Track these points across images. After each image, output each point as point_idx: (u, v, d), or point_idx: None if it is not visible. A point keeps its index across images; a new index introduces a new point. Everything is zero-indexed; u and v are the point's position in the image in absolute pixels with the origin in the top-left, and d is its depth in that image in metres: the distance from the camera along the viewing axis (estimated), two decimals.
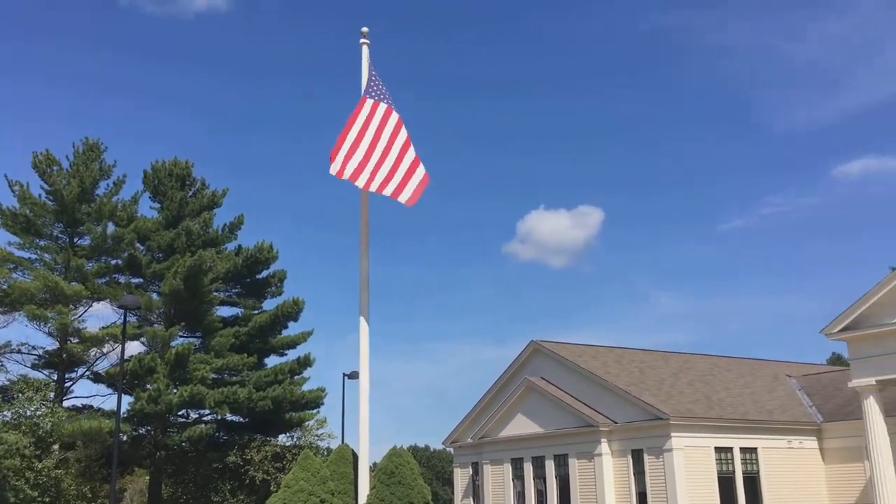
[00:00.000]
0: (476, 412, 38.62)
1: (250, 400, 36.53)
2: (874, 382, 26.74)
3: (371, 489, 13.83)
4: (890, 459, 26.69)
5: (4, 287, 34.70)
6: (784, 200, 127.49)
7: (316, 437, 42.96)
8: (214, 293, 39.24)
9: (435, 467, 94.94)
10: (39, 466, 30.72)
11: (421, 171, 12.14)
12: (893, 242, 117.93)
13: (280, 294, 42.32)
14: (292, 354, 41.76)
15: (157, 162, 41.05)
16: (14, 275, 35.77)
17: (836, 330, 27.70)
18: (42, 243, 38.13)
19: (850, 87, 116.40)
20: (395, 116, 12.21)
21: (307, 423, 40.97)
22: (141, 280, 39.56)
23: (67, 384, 38.28)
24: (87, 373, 38.73)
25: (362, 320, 13.38)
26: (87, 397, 45.52)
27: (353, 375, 36.42)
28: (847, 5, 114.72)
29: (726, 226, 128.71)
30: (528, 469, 34.78)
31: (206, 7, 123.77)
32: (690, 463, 30.18)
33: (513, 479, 35.47)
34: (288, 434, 41.67)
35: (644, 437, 30.97)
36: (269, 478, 37.37)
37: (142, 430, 37.96)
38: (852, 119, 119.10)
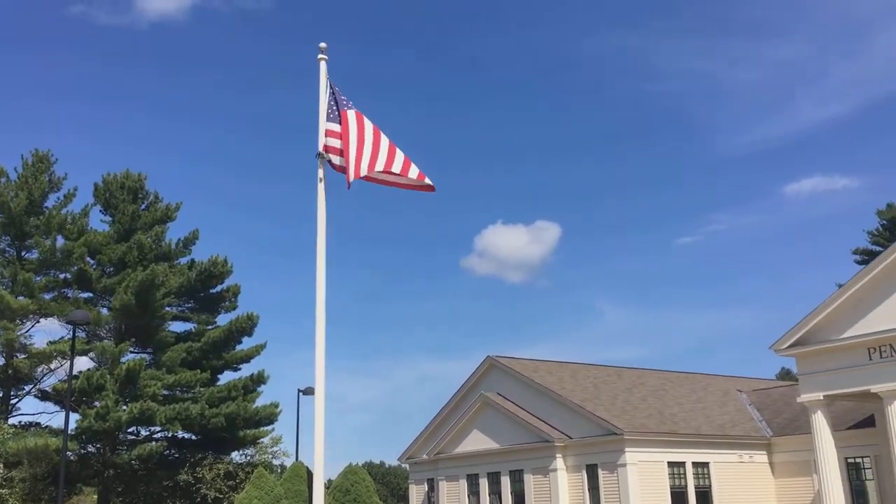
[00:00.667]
0: (432, 428, 38.52)
1: (203, 416, 35.95)
2: (822, 397, 27.30)
3: None
4: (837, 473, 27.24)
5: None
6: (730, 218, 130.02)
7: (270, 455, 42.43)
8: (167, 308, 38.62)
9: (390, 484, 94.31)
10: None
11: (406, 161, 12.17)
12: (839, 260, 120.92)
13: (234, 309, 41.86)
14: (246, 370, 41.27)
15: (108, 174, 40.41)
16: None
17: (784, 346, 28.24)
18: None
19: (794, 110, 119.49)
20: (357, 117, 12.23)
21: (261, 440, 40.43)
22: (91, 295, 38.79)
23: (13, 401, 37.34)
24: (34, 390, 37.83)
25: (318, 336, 13.26)
26: (33, 415, 44.52)
27: (309, 391, 36.07)
28: (789, 30, 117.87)
29: (677, 242, 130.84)
30: (484, 485, 34.76)
31: (159, 17, 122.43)
32: (644, 477, 30.45)
33: (468, 496, 35.41)
34: (241, 451, 41.03)
35: (598, 452, 31.17)
36: (221, 496, 36.73)
37: (90, 448, 37.12)
38: (799, 140, 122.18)
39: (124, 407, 35.16)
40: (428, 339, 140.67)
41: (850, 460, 31.15)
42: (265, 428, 40.37)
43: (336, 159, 11.92)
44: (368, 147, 11.87)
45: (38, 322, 37.40)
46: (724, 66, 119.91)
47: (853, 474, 31.21)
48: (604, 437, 30.85)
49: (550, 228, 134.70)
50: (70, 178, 43.58)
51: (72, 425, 33.31)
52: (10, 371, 35.69)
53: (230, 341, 40.23)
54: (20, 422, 37.04)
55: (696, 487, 31.93)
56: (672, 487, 31.26)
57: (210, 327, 40.72)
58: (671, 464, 31.65)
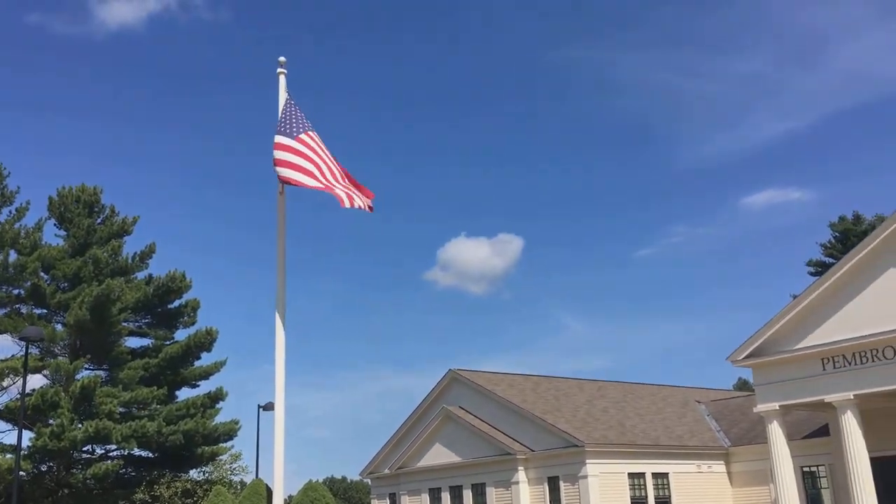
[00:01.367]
0: (394, 442, 38.36)
1: (160, 434, 35.38)
2: (777, 407, 27.74)
3: None
4: (793, 482, 27.66)
5: None
6: (687, 230, 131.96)
7: (229, 472, 41.91)
8: (123, 324, 38.00)
9: (352, 499, 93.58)
10: None
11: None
12: (794, 271, 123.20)
13: (193, 324, 41.32)
14: (205, 385, 40.77)
15: (63, 188, 39.76)
16: None
17: (740, 357, 28.67)
18: None
19: (752, 123, 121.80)
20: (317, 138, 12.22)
21: (220, 457, 39.89)
22: (45, 310, 38.02)
23: None
24: None
25: (278, 351, 13.16)
26: None
27: (268, 407, 35.72)
28: (749, 45, 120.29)
29: (636, 254, 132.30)
30: (446, 499, 34.68)
31: (118, 28, 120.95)
32: (605, 489, 30.64)
33: None
34: (199, 469, 40.42)
35: (560, 464, 31.31)
36: None
37: (43, 468, 36.29)
38: (756, 153, 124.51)
39: (79, 425, 34.46)
40: (391, 352, 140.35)
41: (805, 469, 31.69)
42: (224, 444, 39.89)
43: (288, 173, 11.81)
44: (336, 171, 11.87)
45: None
46: (685, 79, 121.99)
47: (809, 483, 31.76)
48: (565, 449, 30.99)
49: (513, 241, 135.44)
50: (23, 191, 42.84)
51: (25, 444, 32.59)
52: None
53: (188, 357, 39.69)
54: None
55: (656, 498, 32.22)
56: (633, 499, 31.51)
57: (168, 343, 40.15)
58: (631, 475, 31.89)
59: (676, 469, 33.34)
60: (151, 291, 39.18)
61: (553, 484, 31.39)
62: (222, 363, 40.99)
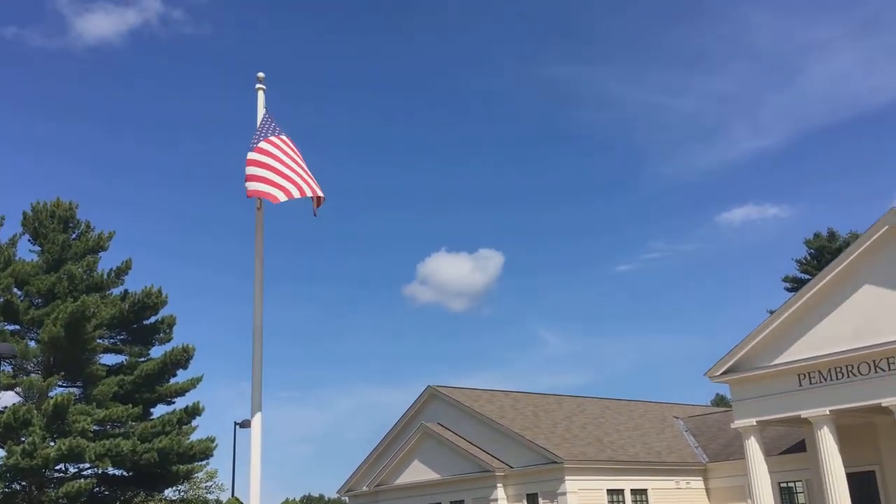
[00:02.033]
0: (372, 459, 38.11)
1: (135, 452, 34.86)
2: (755, 423, 27.87)
3: None
4: (771, 497, 27.76)
5: None
6: (666, 246, 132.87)
7: (205, 491, 41.37)
8: (98, 340, 37.48)
9: None
10: None
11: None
12: (771, 287, 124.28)
13: (169, 340, 40.81)
14: (181, 402, 40.20)
15: (37, 203, 39.24)
16: None
17: (718, 373, 28.81)
18: None
19: (729, 139, 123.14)
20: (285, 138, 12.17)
21: (196, 475, 39.37)
22: (17, 327, 37.44)
23: None
24: None
25: (255, 367, 13.05)
26: None
27: (245, 424, 35.39)
28: (727, 62, 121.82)
29: (615, 270, 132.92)
30: None
31: (96, 41, 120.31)
32: None
33: None
34: (175, 488, 39.83)
35: (539, 480, 31.24)
36: None
37: (15, 487, 35.64)
38: (733, 170, 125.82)
39: (52, 443, 33.91)
40: (369, 368, 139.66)
41: (782, 485, 31.84)
42: (200, 463, 39.34)
43: (258, 187, 11.74)
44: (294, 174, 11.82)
45: None
46: (663, 96, 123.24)
47: (786, 498, 31.90)
48: (544, 465, 30.93)
49: (494, 257, 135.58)
50: None
51: None
52: None
53: (164, 374, 39.20)
54: None
55: None
56: None
57: (143, 360, 39.65)
58: (610, 491, 31.87)
59: (655, 485, 33.36)
60: (127, 308, 38.73)
61: (532, 500, 31.30)
62: (198, 380, 40.52)
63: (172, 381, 39.91)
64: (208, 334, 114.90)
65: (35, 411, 33.73)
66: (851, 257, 25.97)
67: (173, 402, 40.36)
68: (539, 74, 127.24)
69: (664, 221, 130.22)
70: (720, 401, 69.99)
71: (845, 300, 26.16)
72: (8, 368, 35.35)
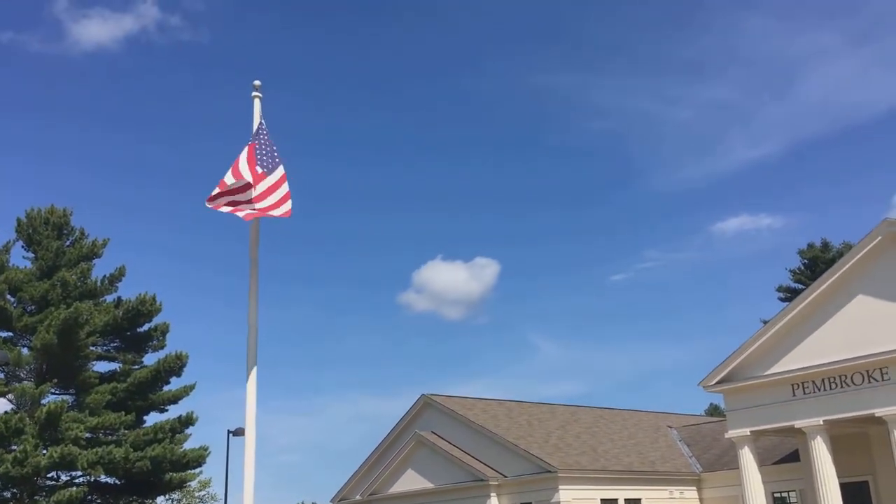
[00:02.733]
0: (366, 468, 38.02)
1: (127, 460, 34.73)
2: (748, 433, 27.89)
3: None
4: None
5: None
6: (661, 255, 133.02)
7: (198, 499, 41.20)
8: (91, 348, 37.38)
9: None
10: None
11: (285, 187, 11.92)
12: (765, 297, 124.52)
13: (162, 347, 40.72)
14: (174, 410, 40.09)
15: (31, 209, 39.20)
16: None
17: (712, 382, 28.85)
18: None
19: (725, 149, 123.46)
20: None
21: (188, 484, 39.20)
22: (10, 334, 37.33)
23: None
24: None
25: (249, 375, 13.02)
26: None
27: (239, 432, 35.26)
28: (723, 71, 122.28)
29: (611, 279, 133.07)
30: None
31: (94, 48, 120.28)
32: None
33: None
34: (168, 496, 39.72)
35: (533, 490, 31.19)
36: None
37: (6, 494, 35.48)
38: (728, 179, 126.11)
39: (44, 451, 33.78)
40: (364, 376, 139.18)
41: (776, 495, 31.85)
42: (193, 471, 39.22)
43: (220, 200, 11.73)
44: (260, 188, 11.68)
45: None
46: (659, 105, 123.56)
47: None
48: (538, 474, 30.89)
49: (490, 265, 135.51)
50: None
51: None
52: None
53: (158, 382, 39.10)
54: None
55: None
56: None
57: (136, 367, 39.55)
58: (604, 501, 31.84)
59: (649, 495, 33.33)
60: (120, 315, 38.66)
61: None
62: (191, 387, 40.43)
63: (165, 388, 39.82)
64: (202, 335, 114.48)
65: (27, 419, 33.60)
66: (845, 268, 26.07)
67: (166, 410, 40.27)
68: (531, 82, 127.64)
69: (659, 230, 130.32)
70: (714, 410, 69.99)
71: (839, 310, 26.24)
72: (0, 375, 35.21)
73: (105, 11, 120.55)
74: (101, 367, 39.59)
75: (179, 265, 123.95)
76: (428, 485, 34.19)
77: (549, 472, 30.47)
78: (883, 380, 24.72)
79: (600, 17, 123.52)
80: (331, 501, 40.31)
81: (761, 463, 28.80)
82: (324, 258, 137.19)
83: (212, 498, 47.74)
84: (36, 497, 35.86)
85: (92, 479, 36.66)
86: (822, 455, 25.83)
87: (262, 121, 12.74)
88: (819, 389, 26.13)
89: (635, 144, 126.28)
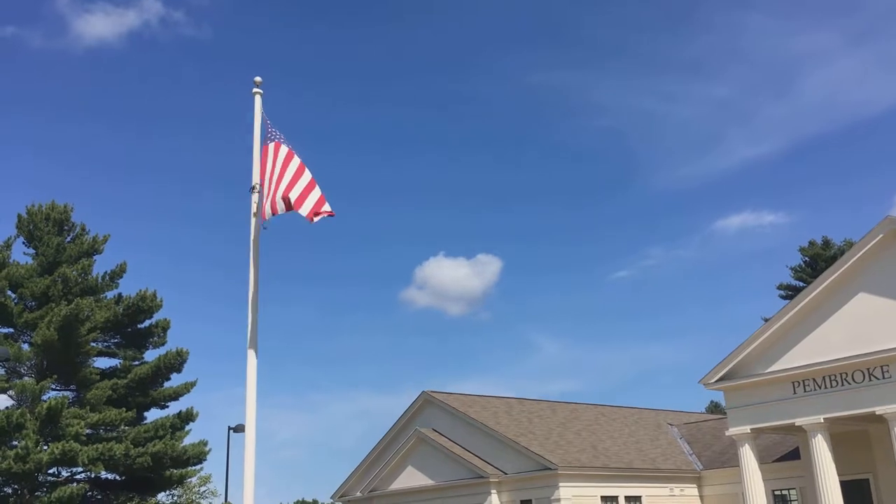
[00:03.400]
0: (366, 464, 38.04)
1: (128, 456, 34.75)
2: (749, 430, 27.90)
3: None
4: None
5: None
6: (663, 253, 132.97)
7: (198, 496, 41.21)
8: (92, 344, 37.39)
9: None
10: None
11: (317, 192, 11.97)
12: (767, 295, 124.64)
13: (163, 344, 40.74)
14: (174, 406, 40.12)
15: (32, 205, 39.18)
16: None
17: (713, 380, 28.84)
18: None
19: (726, 147, 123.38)
20: (284, 149, 12.12)
21: (189, 480, 39.22)
22: (11, 330, 37.34)
23: None
24: None
25: (250, 372, 13.02)
26: None
27: (239, 429, 35.31)
28: (724, 69, 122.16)
29: (613, 277, 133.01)
30: None
31: (97, 43, 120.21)
32: None
33: None
34: (168, 492, 39.69)
35: (533, 487, 31.19)
36: None
37: (7, 491, 35.50)
38: (730, 177, 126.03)
39: (45, 447, 33.80)
40: (365, 372, 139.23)
41: (777, 492, 31.86)
42: (193, 467, 39.25)
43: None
44: (285, 183, 11.74)
45: None
46: (661, 103, 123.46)
47: None
48: (538, 472, 30.89)
49: (492, 262, 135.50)
50: None
51: None
52: None
53: (158, 378, 39.12)
54: None
55: None
56: None
57: (137, 363, 39.57)
58: (604, 498, 31.85)
59: (649, 492, 33.34)
60: (121, 311, 38.67)
61: None
62: (192, 384, 40.46)
63: (166, 384, 39.85)
64: (202, 335, 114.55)
65: (28, 415, 33.61)
66: (846, 265, 26.05)
67: (167, 406, 40.31)
68: (533, 80, 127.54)
69: (661, 228, 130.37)
70: (714, 408, 70.02)
71: (840, 308, 26.23)
72: (1, 371, 35.21)
73: (108, 6, 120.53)
74: (102, 363, 39.64)
75: (180, 262, 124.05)
76: (428, 481, 34.20)
77: (550, 469, 30.47)
78: (884, 378, 24.71)
79: (601, 16, 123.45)
80: (331, 498, 40.35)
81: (762, 460, 28.81)
82: (325, 254, 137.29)
83: (212, 494, 47.74)
84: (37, 493, 35.89)
85: (92, 476, 36.71)
86: (822, 453, 25.83)
87: (266, 119, 12.69)
88: (820, 387, 26.13)
89: (636, 142, 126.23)
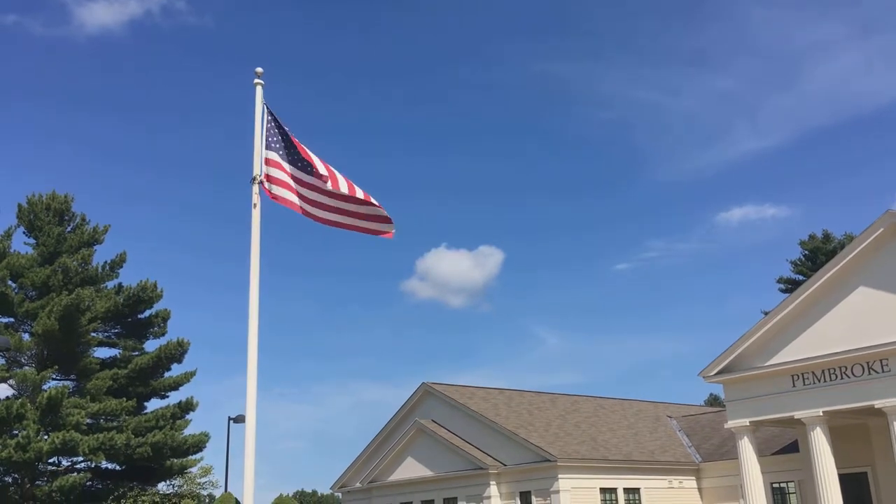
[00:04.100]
0: (366, 455, 38.12)
1: (128, 446, 34.83)
2: (748, 423, 27.94)
3: None
4: (763, 498, 27.84)
5: None
6: (665, 245, 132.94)
7: (198, 486, 41.28)
8: (92, 334, 37.43)
9: None
10: None
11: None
12: (768, 288, 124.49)
13: (163, 334, 40.79)
14: (175, 397, 40.20)
15: (33, 195, 39.16)
16: None
17: (712, 373, 28.87)
18: None
19: (731, 139, 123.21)
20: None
21: (189, 470, 39.30)
22: (12, 319, 37.37)
23: None
24: None
25: (250, 362, 13.03)
26: None
27: (239, 419, 35.36)
28: (729, 62, 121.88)
29: (614, 268, 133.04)
30: None
31: (98, 31, 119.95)
32: None
33: None
34: (168, 482, 39.77)
35: (532, 478, 31.27)
36: None
37: (8, 480, 35.58)
38: (734, 169, 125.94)
39: (46, 437, 33.87)
40: (366, 364, 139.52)
41: (775, 485, 31.93)
42: (194, 457, 39.35)
43: (281, 192, 11.60)
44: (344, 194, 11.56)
45: None
46: (666, 95, 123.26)
47: (778, 499, 31.98)
48: (537, 463, 30.96)
49: (494, 254, 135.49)
50: None
51: None
52: None
53: (159, 368, 39.17)
54: None
55: None
56: None
57: (137, 353, 39.61)
58: (603, 490, 31.92)
59: (648, 484, 33.42)
60: (122, 301, 38.70)
61: (525, 498, 31.34)
62: (192, 374, 40.52)
63: (166, 375, 39.92)
64: (203, 325, 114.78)
65: (29, 405, 33.67)
66: (847, 259, 26.04)
67: (167, 396, 40.39)
68: (537, 71, 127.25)
69: (663, 220, 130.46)
70: (714, 401, 70.13)
71: (840, 302, 26.23)
72: (2, 361, 35.26)
73: None
74: (102, 353, 39.69)
75: (181, 253, 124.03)
76: (428, 473, 34.28)
77: (549, 460, 30.54)
78: (883, 371, 24.73)
79: (607, 8, 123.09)
80: (331, 488, 40.44)
81: (760, 453, 28.86)
82: (327, 246, 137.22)
83: (212, 485, 47.85)
84: (37, 482, 35.98)
85: (93, 465, 36.80)
86: (821, 446, 25.88)
87: (270, 111, 12.58)
88: (819, 380, 26.15)
89: (641, 134, 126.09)
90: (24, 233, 39.31)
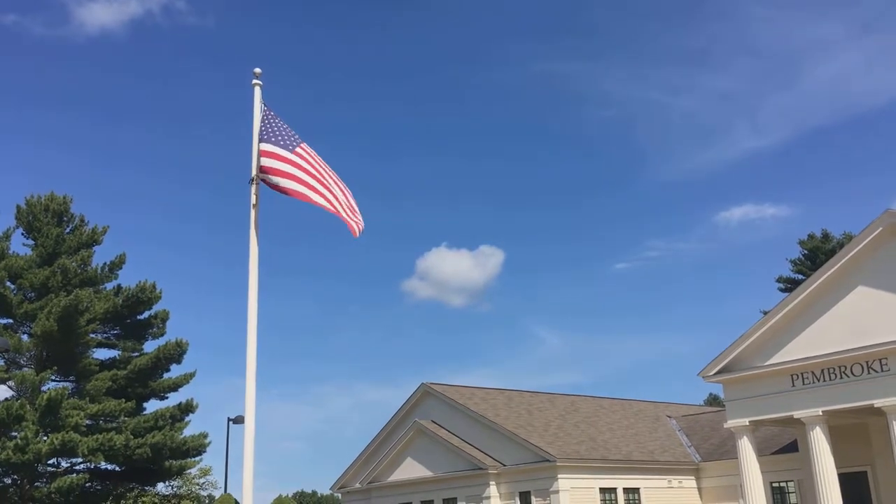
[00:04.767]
0: (365, 456, 38.11)
1: (127, 447, 34.81)
2: (747, 423, 27.93)
3: None
4: (763, 497, 27.84)
5: None
6: (665, 245, 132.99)
7: (198, 487, 41.24)
8: (91, 335, 37.40)
9: None
10: None
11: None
12: (768, 287, 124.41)
13: (162, 335, 40.75)
14: (174, 398, 40.17)
15: (31, 196, 39.13)
16: None
17: (712, 373, 28.86)
18: None
19: (731, 139, 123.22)
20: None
21: (188, 471, 39.27)
22: (11, 321, 37.34)
23: None
24: None
25: (249, 363, 13.01)
26: None
27: (239, 420, 35.33)
28: (729, 61, 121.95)
29: (614, 268, 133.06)
30: None
31: (98, 31, 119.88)
32: None
33: None
34: (168, 483, 39.74)
35: (532, 479, 31.26)
36: None
37: (7, 481, 35.56)
38: (733, 168, 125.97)
39: (45, 438, 33.85)
40: (366, 364, 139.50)
41: (774, 484, 31.92)
42: (193, 458, 39.33)
43: (286, 183, 11.61)
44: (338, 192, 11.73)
45: None
46: (666, 94, 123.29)
47: (778, 498, 31.98)
48: (537, 464, 30.96)
49: (495, 254, 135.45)
50: None
51: None
52: None
53: (158, 369, 39.15)
54: None
55: None
56: None
57: (136, 354, 39.59)
58: (603, 490, 31.92)
59: (648, 484, 33.41)
60: (121, 302, 38.67)
61: (525, 499, 31.33)
62: (191, 375, 40.50)
63: (165, 376, 39.89)
64: (202, 327, 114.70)
65: (28, 405, 33.65)
66: (846, 258, 26.03)
67: (166, 398, 40.36)
68: (539, 70, 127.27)
69: (663, 220, 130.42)
70: (713, 401, 70.12)
71: (839, 301, 26.23)
72: (1, 362, 35.23)
73: None
74: (101, 354, 39.65)
75: (180, 254, 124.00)
76: (427, 473, 34.28)
77: (548, 460, 30.54)
78: (882, 371, 24.73)
79: (607, 8, 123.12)
80: (331, 489, 40.42)
81: (760, 453, 28.85)
82: (326, 245, 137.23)
83: (212, 485, 47.83)
84: (36, 484, 35.96)
85: (92, 466, 36.77)
86: (820, 445, 25.88)
87: (266, 106, 12.56)
88: (818, 380, 26.15)
89: (641, 134, 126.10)
90: (22, 234, 39.29)
